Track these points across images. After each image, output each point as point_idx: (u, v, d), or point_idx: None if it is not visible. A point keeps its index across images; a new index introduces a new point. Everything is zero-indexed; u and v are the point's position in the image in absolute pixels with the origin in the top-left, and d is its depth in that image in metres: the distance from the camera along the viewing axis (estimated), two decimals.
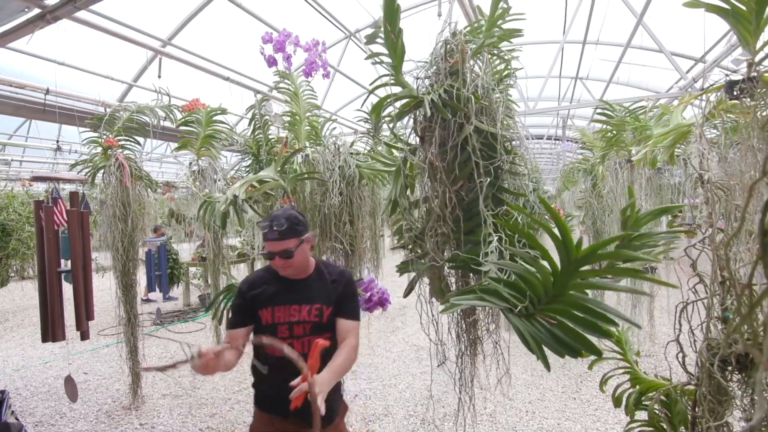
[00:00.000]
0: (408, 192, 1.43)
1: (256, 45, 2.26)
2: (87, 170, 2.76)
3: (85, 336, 2.71)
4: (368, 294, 1.84)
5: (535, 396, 3.32)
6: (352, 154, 2.13)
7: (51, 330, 2.41)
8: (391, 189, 1.45)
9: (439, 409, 3.08)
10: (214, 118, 2.66)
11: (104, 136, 2.78)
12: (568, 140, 7.28)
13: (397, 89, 1.25)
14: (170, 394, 3.38)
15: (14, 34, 2.11)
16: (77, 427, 2.86)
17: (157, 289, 5.23)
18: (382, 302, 1.87)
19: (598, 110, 3.60)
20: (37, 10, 1.90)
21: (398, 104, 1.26)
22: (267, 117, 3.13)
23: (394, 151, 2.25)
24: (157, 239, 5.50)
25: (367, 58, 1.20)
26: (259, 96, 3.31)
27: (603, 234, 4.53)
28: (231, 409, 3.12)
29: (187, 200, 5.87)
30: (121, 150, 2.81)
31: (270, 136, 3.03)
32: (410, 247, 1.53)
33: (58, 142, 4.39)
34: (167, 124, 3.96)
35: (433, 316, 1.45)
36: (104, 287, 5.07)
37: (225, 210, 2.08)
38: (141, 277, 3.76)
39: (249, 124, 3.19)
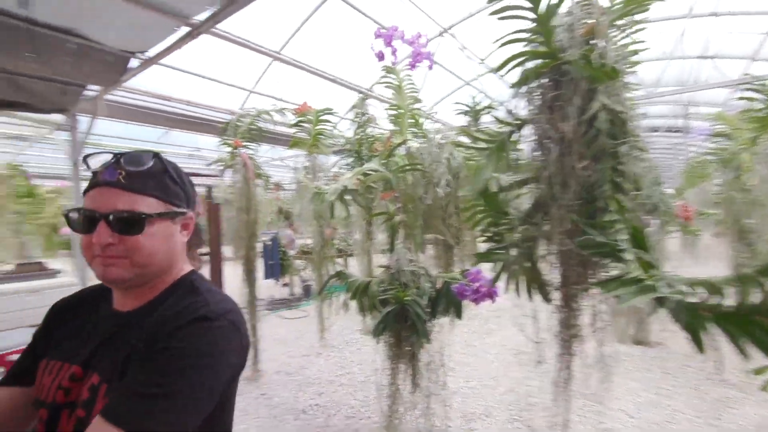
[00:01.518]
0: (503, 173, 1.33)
1: (355, 49, 2.38)
2: (219, 168, 3.20)
3: None
4: (477, 284, 1.79)
5: (662, 417, 2.90)
6: (455, 145, 2.10)
7: None
8: (483, 170, 1.33)
9: (547, 417, 2.88)
10: (322, 117, 2.85)
11: (233, 138, 3.18)
12: (693, 129, 6.22)
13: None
14: (283, 371, 3.73)
15: (166, 51, 2.52)
16: None
17: (272, 278, 5.82)
18: (491, 294, 1.79)
19: (743, 87, 3.01)
20: (185, 29, 2.24)
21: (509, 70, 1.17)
22: (368, 115, 3.25)
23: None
24: (272, 233, 6.11)
25: (494, 13, 1.07)
26: (360, 96, 3.47)
27: (749, 233, 3.78)
28: (335, 391, 3.32)
29: (293, 199, 6.43)
30: (245, 150, 3.19)
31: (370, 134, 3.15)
32: (491, 235, 1.44)
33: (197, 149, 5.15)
34: (277, 128, 4.36)
35: (532, 313, 1.34)
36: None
37: (334, 200, 2.21)
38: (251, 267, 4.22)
39: (352, 123, 3.36)
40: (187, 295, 0.70)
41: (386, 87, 2.44)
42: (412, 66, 2.10)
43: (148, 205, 0.67)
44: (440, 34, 5.24)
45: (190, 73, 4.23)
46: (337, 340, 4.56)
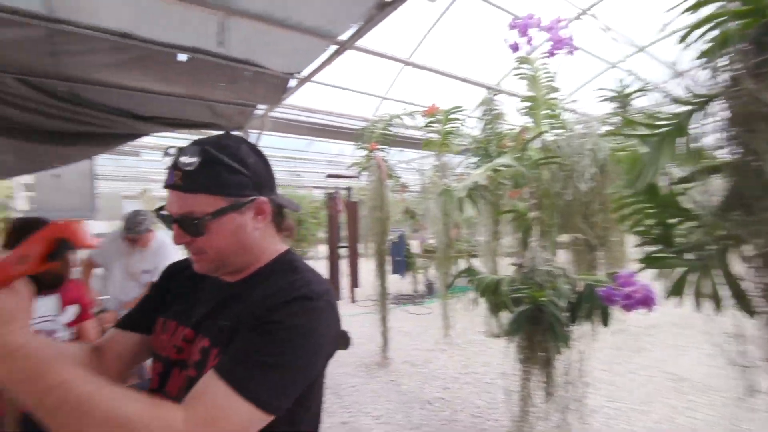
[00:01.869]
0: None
1: (483, 45, 2.33)
2: (356, 170, 3.54)
3: (353, 299, 3.46)
4: (629, 289, 1.60)
5: None
6: (605, 135, 1.91)
7: (334, 288, 3.21)
8: (650, 160, 1.15)
9: None
10: (451, 116, 2.90)
11: (369, 143, 3.49)
12: None
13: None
14: (409, 362, 3.91)
15: (318, 70, 2.89)
16: (345, 370, 3.69)
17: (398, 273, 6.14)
18: (647, 300, 1.58)
19: None
20: (333, 47, 2.55)
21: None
22: (497, 111, 3.18)
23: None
24: (399, 230, 6.45)
25: None
26: (488, 92, 3.41)
27: None
28: (460, 388, 3.34)
29: (420, 199, 6.64)
30: (379, 152, 3.46)
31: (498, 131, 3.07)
32: (655, 236, 1.22)
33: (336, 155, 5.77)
34: (407, 132, 4.55)
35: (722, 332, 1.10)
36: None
37: (464, 196, 2.23)
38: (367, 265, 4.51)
39: (479, 121, 3.32)
40: (288, 272, 0.71)
41: (519, 79, 2.36)
42: (551, 53, 1.99)
43: (203, 204, 0.63)
44: (578, 17, 4.77)
45: (329, 85, 4.70)
46: (461, 339, 4.55)
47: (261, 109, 3.87)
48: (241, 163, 0.65)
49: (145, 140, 4.54)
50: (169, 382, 0.68)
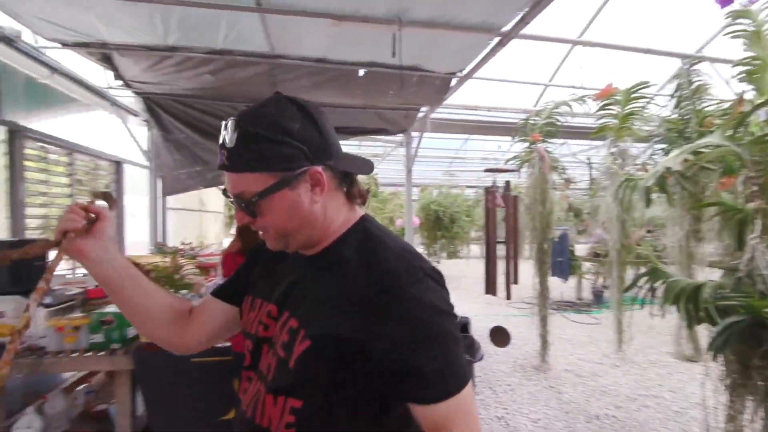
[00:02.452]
0: None
1: (673, 9, 1.96)
2: (516, 163, 3.45)
3: (508, 296, 3.38)
4: None
5: None
6: None
7: (490, 285, 3.20)
8: None
9: None
10: (634, 94, 2.54)
11: (529, 135, 3.35)
12: None
13: None
14: (572, 371, 3.58)
15: (479, 65, 2.94)
16: (500, 368, 3.63)
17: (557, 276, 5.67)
18: None
19: None
20: (496, 39, 2.56)
21: None
22: (698, 82, 2.65)
23: None
24: (562, 228, 5.94)
25: None
26: (685, 62, 2.83)
27: None
28: (638, 410, 2.89)
29: (590, 194, 5.96)
30: (541, 143, 3.29)
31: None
32: None
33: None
34: (573, 121, 4.17)
35: None
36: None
37: (652, 185, 1.94)
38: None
39: (670, 98, 2.83)
40: (377, 245, 0.63)
41: (732, 38, 1.91)
42: None
43: (250, 183, 0.58)
44: None
45: (488, 80, 4.58)
46: (638, 357, 3.90)
47: (423, 111, 4.15)
48: (284, 133, 0.57)
49: None
50: (261, 360, 0.66)
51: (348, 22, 2.27)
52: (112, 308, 2.25)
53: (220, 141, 0.59)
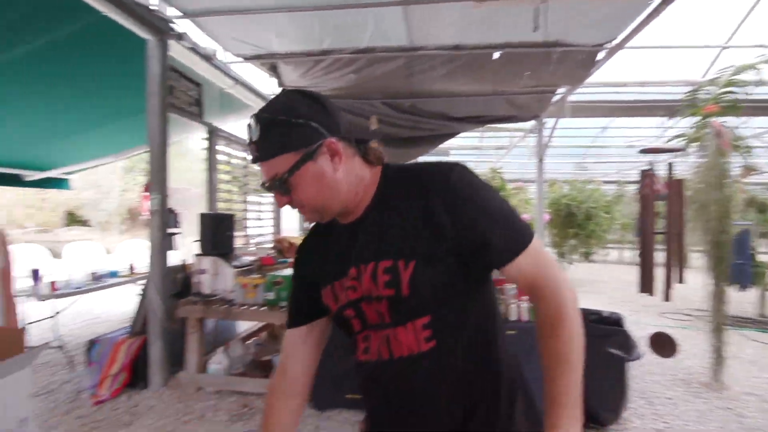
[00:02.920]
0: None
1: None
2: (681, 142, 2.94)
3: (667, 297, 2.91)
4: None
5: None
6: None
7: (646, 282, 2.80)
8: None
9: None
10: None
11: (700, 108, 2.83)
12: None
13: None
14: (757, 395, 2.90)
15: (635, 32, 2.60)
16: (655, 379, 3.14)
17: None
18: None
19: None
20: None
21: None
22: None
23: None
24: (742, 224, 4.84)
25: None
26: None
27: None
28: None
29: None
30: (718, 118, 2.74)
31: None
32: None
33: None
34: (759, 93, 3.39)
35: None
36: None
37: None
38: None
39: None
40: (404, 170, 0.74)
41: None
42: None
43: (280, 165, 0.66)
44: None
45: (644, 48, 3.73)
46: None
47: (559, 94, 3.86)
48: (297, 116, 0.66)
49: (451, 142, 5.28)
50: (367, 317, 0.71)
51: (489, 1, 2.26)
52: (281, 272, 2.69)
53: (248, 140, 0.69)
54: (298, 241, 3.58)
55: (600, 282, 7.60)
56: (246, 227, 4.14)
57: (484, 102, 3.97)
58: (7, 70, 2.52)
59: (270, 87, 4.33)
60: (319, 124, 0.67)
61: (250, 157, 0.73)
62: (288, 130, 0.66)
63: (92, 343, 2.82)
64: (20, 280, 3.00)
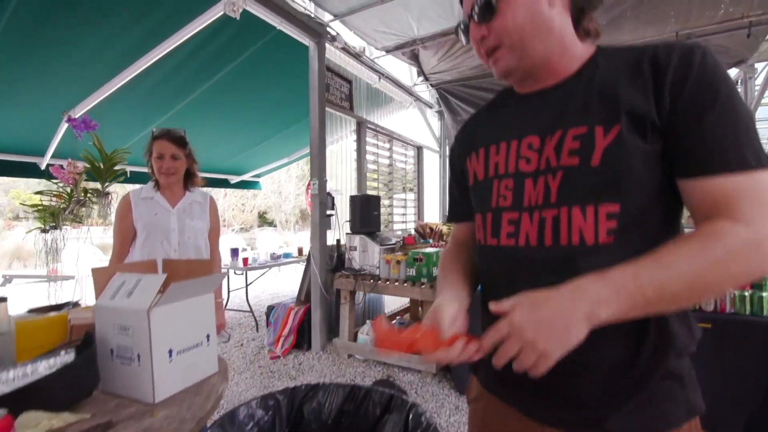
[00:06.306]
0: None
1: None
2: None
3: None
4: None
5: None
6: None
7: None
8: None
9: None
10: None
11: None
12: None
13: None
14: None
15: None
16: None
17: None
18: None
19: None
20: None
21: None
22: None
23: None
24: None
25: None
26: None
27: None
28: None
29: None
30: None
31: None
32: None
33: None
34: None
35: None
36: None
37: None
38: None
39: None
40: (633, 47, 0.56)
41: None
42: None
43: None
44: None
45: None
46: None
47: None
48: None
49: None
50: (525, 197, 0.59)
51: None
52: (423, 249, 2.71)
53: None
54: (439, 227, 3.56)
55: None
56: (392, 222, 4.39)
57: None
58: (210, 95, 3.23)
59: (411, 79, 4.48)
60: None
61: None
62: None
63: (271, 308, 3.37)
64: (223, 256, 3.83)
